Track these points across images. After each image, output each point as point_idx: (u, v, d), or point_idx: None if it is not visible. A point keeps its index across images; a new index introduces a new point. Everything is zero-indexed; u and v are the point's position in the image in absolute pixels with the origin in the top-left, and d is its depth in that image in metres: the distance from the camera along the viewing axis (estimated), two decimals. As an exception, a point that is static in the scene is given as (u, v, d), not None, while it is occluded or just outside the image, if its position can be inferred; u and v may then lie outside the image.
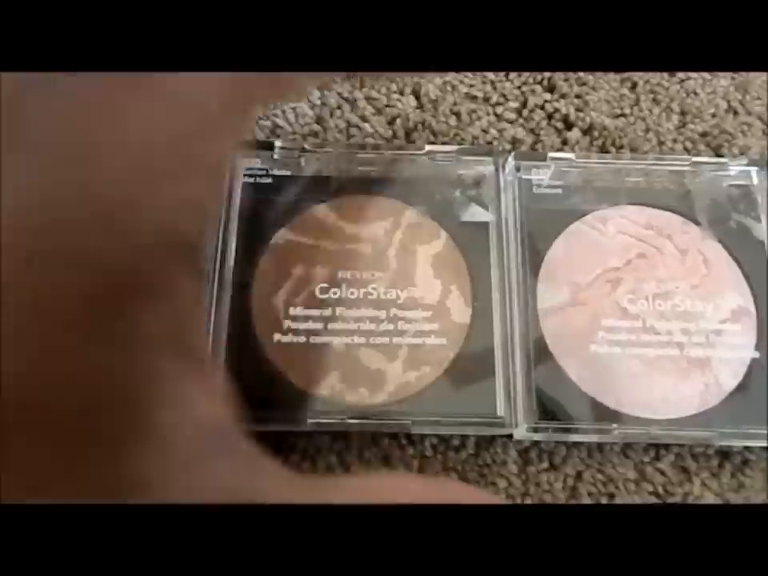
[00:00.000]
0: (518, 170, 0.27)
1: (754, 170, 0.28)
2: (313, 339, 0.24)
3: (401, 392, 0.23)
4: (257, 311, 0.24)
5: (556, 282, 0.26)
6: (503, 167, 0.27)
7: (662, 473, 0.26)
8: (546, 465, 0.25)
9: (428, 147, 0.27)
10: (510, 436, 0.24)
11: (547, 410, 0.24)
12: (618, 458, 0.25)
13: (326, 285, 0.24)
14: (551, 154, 0.28)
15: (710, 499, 0.25)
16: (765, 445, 0.24)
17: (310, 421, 0.22)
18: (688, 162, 0.28)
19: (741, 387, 0.24)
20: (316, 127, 0.30)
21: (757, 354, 0.25)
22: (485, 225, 0.26)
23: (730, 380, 0.25)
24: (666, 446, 0.25)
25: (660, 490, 0.25)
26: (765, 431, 0.24)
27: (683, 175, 0.28)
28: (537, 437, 0.24)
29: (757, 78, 0.32)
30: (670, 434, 0.24)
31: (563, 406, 0.24)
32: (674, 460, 0.25)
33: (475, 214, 0.26)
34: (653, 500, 0.25)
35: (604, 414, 0.24)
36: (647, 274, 0.26)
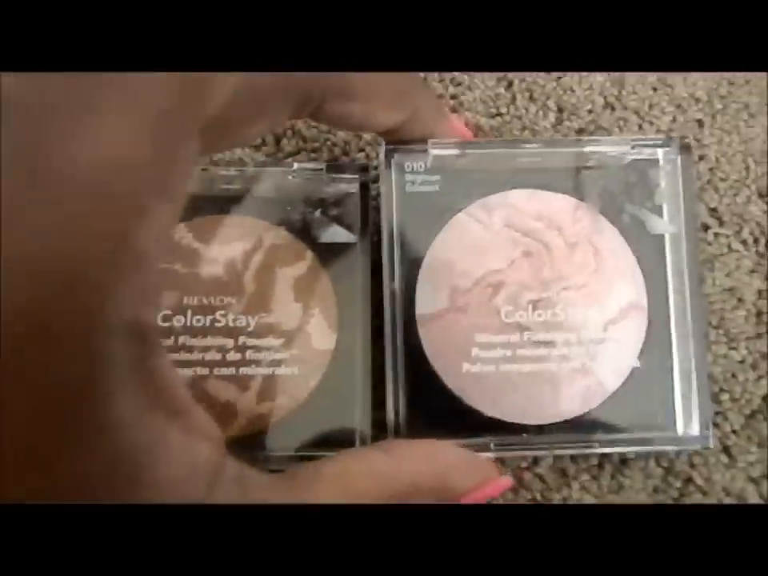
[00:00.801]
0: (390, 158, 0.25)
1: (660, 150, 0.27)
2: None
3: (253, 425, 0.22)
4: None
5: (436, 286, 0.24)
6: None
7: (541, 478, 0.25)
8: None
9: (297, 165, 0.25)
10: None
11: (423, 422, 0.23)
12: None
13: (169, 312, 0.23)
14: (432, 140, 0.25)
15: (589, 502, 0.25)
16: (642, 449, 0.24)
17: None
18: (586, 141, 0.26)
19: (622, 391, 0.24)
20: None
21: (638, 363, 0.24)
22: (352, 245, 0.24)
23: (612, 384, 0.24)
24: (565, 448, 0.25)
25: (538, 496, 0.25)
26: (641, 436, 0.24)
27: (580, 156, 0.26)
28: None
29: (632, 73, 0.31)
30: (548, 441, 0.24)
31: (440, 416, 0.23)
32: (552, 463, 0.25)
33: (336, 234, 0.24)
34: (533, 507, 0.25)
35: (483, 424, 0.23)
36: (530, 277, 0.25)
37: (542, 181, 0.26)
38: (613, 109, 0.31)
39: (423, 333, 0.24)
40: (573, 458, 0.25)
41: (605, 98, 0.31)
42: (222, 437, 0.16)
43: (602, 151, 0.26)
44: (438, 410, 0.23)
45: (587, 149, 0.26)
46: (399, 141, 0.24)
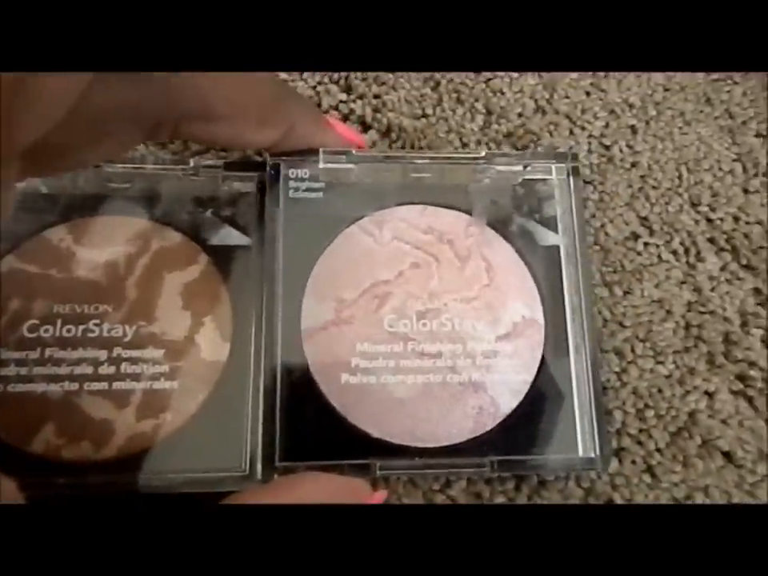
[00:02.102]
0: (275, 169, 0.24)
1: (553, 165, 0.26)
2: (16, 387, 0.20)
3: (134, 445, 0.20)
4: (-34, 355, 0.20)
5: (322, 298, 0.23)
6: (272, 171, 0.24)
7: (454, 501, 0.24)
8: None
9: (193, 162, 0.23)
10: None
11: (306, 445, 0.21)
12: (403, 488, 0.23)
13: (36, 322, 0.21)
14: (323, 150, 0.24)
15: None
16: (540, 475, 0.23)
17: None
18: (478, 156, 0.25)
19: (518, 411, 0.23)
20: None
21: (531, 377, 0.23)
22: (248, 249, 0.23)
23: (507, 404, 0.23)
24: (456, 472, 0.23)
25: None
26: (540, 459, 0.22)
27: (473, 171, 0.25)
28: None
29: (565, 77, 0.30)
30: (439, 464, 0.22)
31: (325, 438, 0.21)
32: (465, 486, 0.24)
33: (228, 236, 0.23)
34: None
35: (368, 446, 0.21)
36: (418, 288, 0.24)
37: (433, 196, 0.25)
38: (544, 113, 0.30)
39: (307, 347, 0.22)
40: (488, 480, 0.23)
41: (536, 101, 0.30)
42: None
43: (496, 168, 0.25)
44: (321, 430, 0.21)
45: (481, 166, 0.25)
46: (283, 154, 0.23)
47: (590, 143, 0.29)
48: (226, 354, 0.21)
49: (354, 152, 0.24)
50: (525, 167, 0.25)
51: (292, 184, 0.24)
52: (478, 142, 0.29)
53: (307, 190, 0.24)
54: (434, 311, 0.23)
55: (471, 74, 0.30)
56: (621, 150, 0.29)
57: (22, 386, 0.20)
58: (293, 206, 0.23)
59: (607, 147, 0.29)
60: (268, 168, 0.23)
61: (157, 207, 0.23)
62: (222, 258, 0.23)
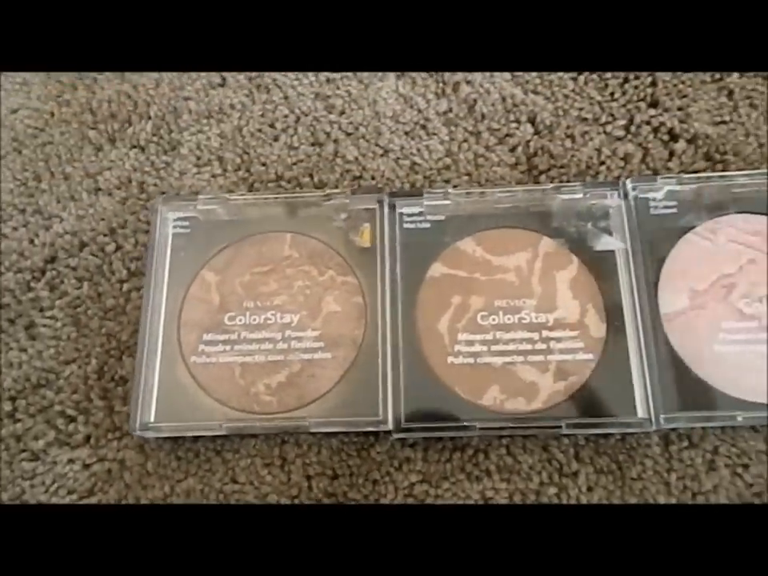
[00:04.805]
0: (633, 190, 0.31)
1: None
2: (478, 360, 0.29)
3: (551, 399, 0.28)
4: (423, 337, 0.29)
5: (676, 290, 0.30)
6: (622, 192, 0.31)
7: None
8: (685, 443, 0.28)
9: (552, 185, 0.31)
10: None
11: (682, 402, 0.28)
12: (748, 433, 0.29)
13: (485, 312, 0.29)
14: (661, 176, 0.31)
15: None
16: None
17: (479, 427, 0.28)
18: None
19: None
20: (447, 161, 0.34)
21: None
22: (610, 251, 0.30)
23: None
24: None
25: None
26: None
27: None
28: (674, 425, 0.28)
29: None
30: None
31: (694, 398, 0.28)
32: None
33: (608, 243, 0.30)
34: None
35: (729, 403, 0.28)
36: (759, 278, 0.30)
37: (753, 205, 0.31)
38: (832, 110, 0.33)
39: (670, 330, 0.29)
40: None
41: (824, 100, 0.33)
42: None
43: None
44: (692, 393, 0.28)
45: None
46: None
47: None
48: (604, 332, 0.29)
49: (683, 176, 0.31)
50: None
51: (652, 203, 0.31)
52: (774, 143, 0.33)
53: (663, 207, 0.31)
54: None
55: (760, 80, 0.34)
56: None
57: (473, 359, 0.29)
58: (650, 220, 0.31)
59: None
60: (627, 188, 0.31)
61: (535, 221, 0.31)
62: (591, 259, 0.30)
